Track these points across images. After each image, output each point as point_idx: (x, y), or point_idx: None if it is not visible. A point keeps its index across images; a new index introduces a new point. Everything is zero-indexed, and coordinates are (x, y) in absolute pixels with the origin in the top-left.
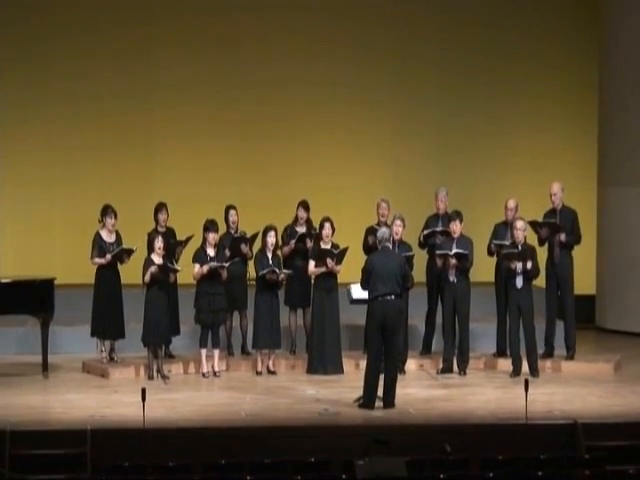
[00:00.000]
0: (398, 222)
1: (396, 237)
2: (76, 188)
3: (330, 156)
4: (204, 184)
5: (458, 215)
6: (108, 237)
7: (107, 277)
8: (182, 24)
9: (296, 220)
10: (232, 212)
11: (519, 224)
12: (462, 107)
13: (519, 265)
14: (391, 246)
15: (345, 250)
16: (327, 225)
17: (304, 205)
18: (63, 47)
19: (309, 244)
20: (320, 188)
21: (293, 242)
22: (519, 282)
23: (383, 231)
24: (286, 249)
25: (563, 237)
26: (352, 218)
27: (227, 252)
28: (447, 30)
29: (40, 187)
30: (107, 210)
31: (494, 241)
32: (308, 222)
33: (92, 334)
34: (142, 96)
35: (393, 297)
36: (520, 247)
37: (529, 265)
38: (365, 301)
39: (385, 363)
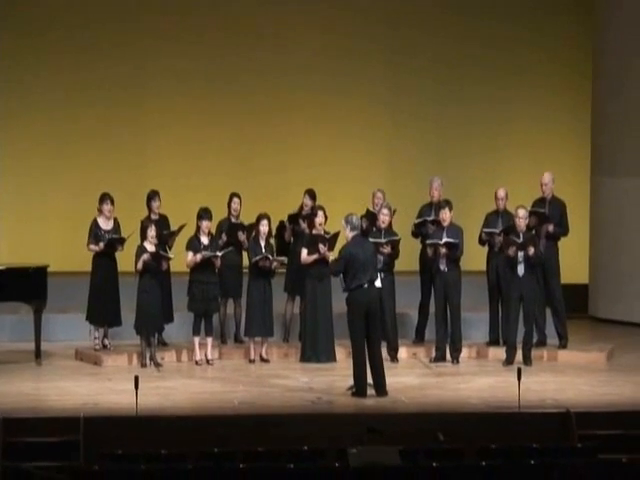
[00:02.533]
0: (385, 211)
1: (383, 225)
2: (70, 177)
3: (325, 146)
4: (198, 173)
5: (447, 203)
6: (105, 224)
7: (103, 264)
8: (175, 14)
9: (302, 208)
10: (235, 200)
11: (521, 212)
12: (456, 97)
13: (520, 253)
14: (360, 233)
15: (337, 235)
16: (320, 213)
17: (310, 193)
18: (56, 38)
19: (303, 225)
20: (314, 178)
21: (289, 224)
22: (521, 270)
23: (356, 218)
24: (287, 234)
25: (551, 228)
26: (346, 207)
27: (224, 237)
28: (442, 20)
29: (34, 176)
30: (104, 197)
31: (484, 229)
32: (313, 210)
33: (87, 318)
34: (135, 86)
35: (373, 285)
36: (522, 235)
37: (531, 251)
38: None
39: (369, 350)
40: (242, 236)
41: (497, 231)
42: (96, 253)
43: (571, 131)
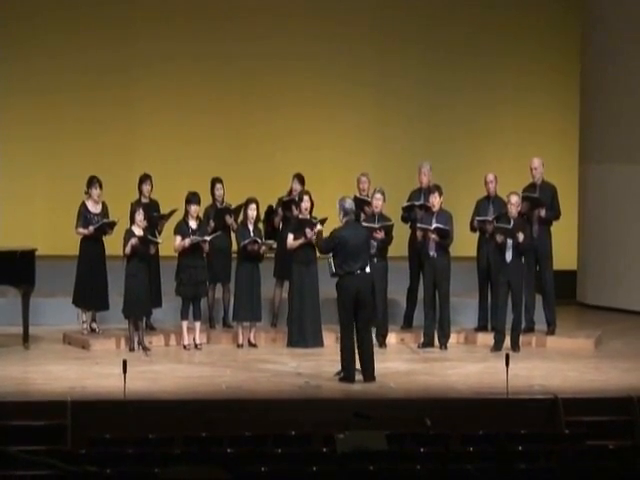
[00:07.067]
0: (378, 195)
1: (376, 210)
2: (59, 160)
3: (312, 130)
4: (186, 158)
5: (437, 189)
6: (94, 208)
7: (91, 248)
8: None
9: (290, 193)
10: (218, 185)
11: (513, 199)
12: (444, 82)
13: (509, 240)
14: (354, 217)
15: (324, 220)
16: (306, 198)
17: (299, 178)
18: (43, 20)
19: (295, 212)
20: (302, 162)
21: (280, 209)
22: (509, 256)
23: (349, 202)
24: (277, 219)
25: (543, 212)
26: (334, 192)
27: (212, 223)
28: (430, 5)
29: (23, 159)
30: (92, 181)
31: (477, 218)
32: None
33: (73, 302)
34: (125, 70)
35: (363, 271)
36: (513, 221)
37: (520, 238)
38: None
39: (358, 336)
40: (230, 219)
41: (490, 219)
42: (83, 237)
43: (559, 117)
